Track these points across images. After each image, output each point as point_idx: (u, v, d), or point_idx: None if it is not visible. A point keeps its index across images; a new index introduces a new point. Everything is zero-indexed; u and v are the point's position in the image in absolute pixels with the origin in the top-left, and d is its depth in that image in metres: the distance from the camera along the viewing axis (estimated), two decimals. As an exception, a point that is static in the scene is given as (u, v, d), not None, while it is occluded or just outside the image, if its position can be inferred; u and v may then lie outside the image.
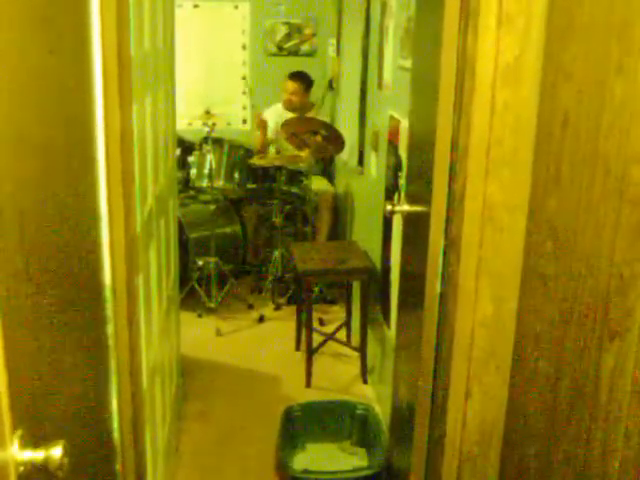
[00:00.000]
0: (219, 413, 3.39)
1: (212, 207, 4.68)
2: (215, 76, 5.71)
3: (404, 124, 2.83)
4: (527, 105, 1.66)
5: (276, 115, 5.00)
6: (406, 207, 2.18)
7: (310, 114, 4.92)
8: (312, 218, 4.83)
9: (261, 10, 5.68)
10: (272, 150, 4.96)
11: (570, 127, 1.48)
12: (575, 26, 1.47)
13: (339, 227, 5.00)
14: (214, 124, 4.36)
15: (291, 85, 4.95)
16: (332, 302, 4.62)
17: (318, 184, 4.88)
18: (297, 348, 4.04)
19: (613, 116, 1.29)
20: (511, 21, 1.62)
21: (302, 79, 4.97)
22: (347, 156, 4.50)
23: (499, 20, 1.61)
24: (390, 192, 3.15)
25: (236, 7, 5.67)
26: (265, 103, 5.23)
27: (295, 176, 4.59)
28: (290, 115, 4.82)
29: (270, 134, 4.98)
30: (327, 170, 5.28)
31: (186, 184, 4.58)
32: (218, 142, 4.44)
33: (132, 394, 1.70)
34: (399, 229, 2.82)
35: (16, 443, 0.88)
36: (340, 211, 4.99)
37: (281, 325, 4.37)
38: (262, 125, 4.95)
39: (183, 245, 4.21)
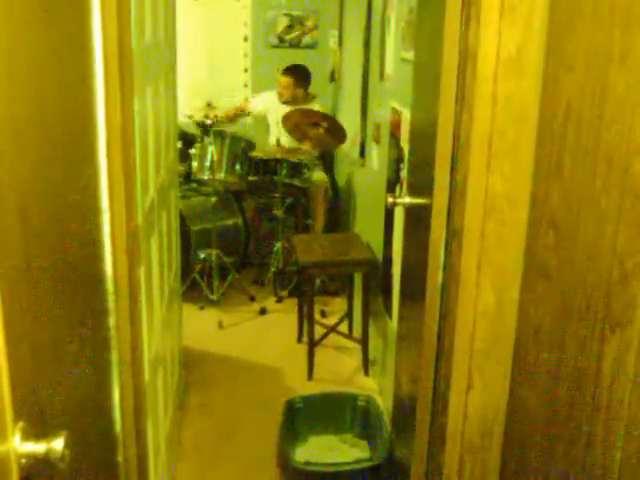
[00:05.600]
0: (221, 405, 3.40)
1: (213, 199, 4.68)
2: (217, 68, 5.70)
3: (406, 116, 2.82)
4: (529, 96, 1.65)
5: (272, 102, 5.05)
6: (408, 199, 2.18)
7: (309, 105, 4.91)
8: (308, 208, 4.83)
9: (262, 2, 5.66)
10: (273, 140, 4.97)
11: (572, 119, 1.47)
12: (578, 16, 1.46)
13: (341, 219, 4.99)
14: (216, 116, 4.35)
15: (282, 79, 4.98)
16: (334, 294, 4.62)
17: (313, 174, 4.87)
18: (299, 340, 4.05)
19: (616, 108, 1.29)
20: (513, 12, 1.61)
21: (291, 73, 4.97)
22: (349, 148, 4.49)
23: (501, 11, 1.61)
24: (392, 184, 3.14)
25: (238, -1, 5.65)
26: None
27: (297, 169, 4.58)
28: (285, 107, 4.83)
29: (271, 121, 5.04)
30: (326, 161, 5.25)
31: (187, 176, 4.58)
32: (219, 134, 4.43)
33: (134, 386, 1.71)
34: (401, 221, 2.82)
35: (18, 435, 0.88)
36: (341, 203, 4.97)
37: (283, 317, 4.37)
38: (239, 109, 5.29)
39: (185, 237, 4.21)
